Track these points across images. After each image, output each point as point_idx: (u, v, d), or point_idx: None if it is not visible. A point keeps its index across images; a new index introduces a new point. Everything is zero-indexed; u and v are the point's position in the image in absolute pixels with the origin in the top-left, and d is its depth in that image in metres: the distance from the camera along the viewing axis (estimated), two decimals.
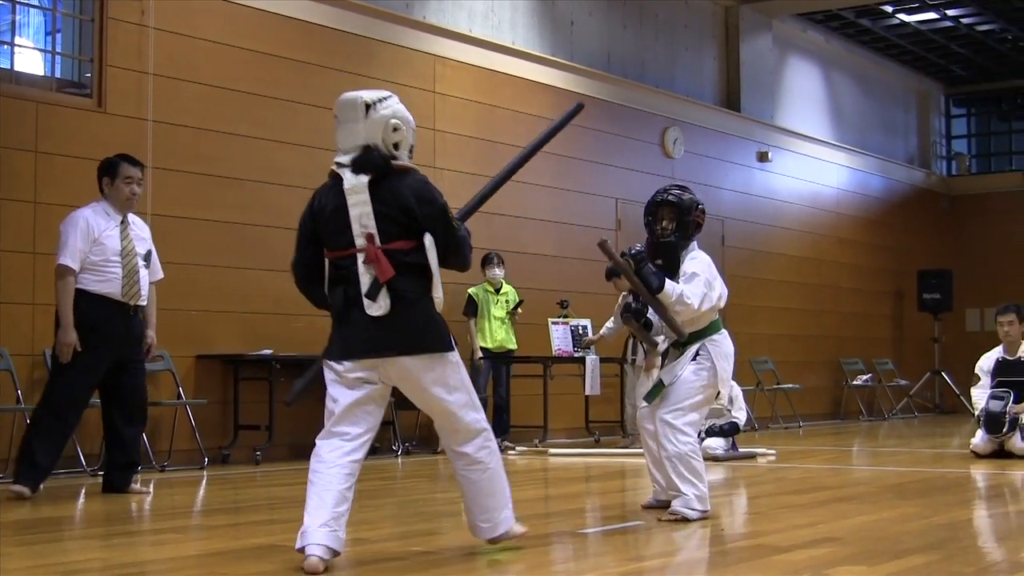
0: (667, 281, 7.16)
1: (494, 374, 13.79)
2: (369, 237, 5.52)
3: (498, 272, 13.68)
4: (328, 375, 5.69)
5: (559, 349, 14.16)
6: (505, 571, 5.72)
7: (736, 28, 19.50)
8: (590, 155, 16.18)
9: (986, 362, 12.34)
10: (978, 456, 11.86)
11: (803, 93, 21.62)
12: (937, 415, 22.49)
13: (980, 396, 12.14)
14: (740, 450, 12.39)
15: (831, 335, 21.23)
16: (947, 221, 25.19)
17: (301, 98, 12.68)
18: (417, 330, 5.60)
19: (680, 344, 7.39)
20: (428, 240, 5.61)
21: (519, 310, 13.86)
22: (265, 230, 12.25)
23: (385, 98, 5.73)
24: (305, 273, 5.91)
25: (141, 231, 9.05)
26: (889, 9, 20.88)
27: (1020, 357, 12.12)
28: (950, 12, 21.08)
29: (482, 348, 13.53)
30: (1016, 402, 11.78)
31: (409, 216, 5.59)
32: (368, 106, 5.66)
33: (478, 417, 5.83)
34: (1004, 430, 11.70)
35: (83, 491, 9.22)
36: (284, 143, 12.48)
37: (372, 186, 5.56)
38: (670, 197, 7.48)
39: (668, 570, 5.75)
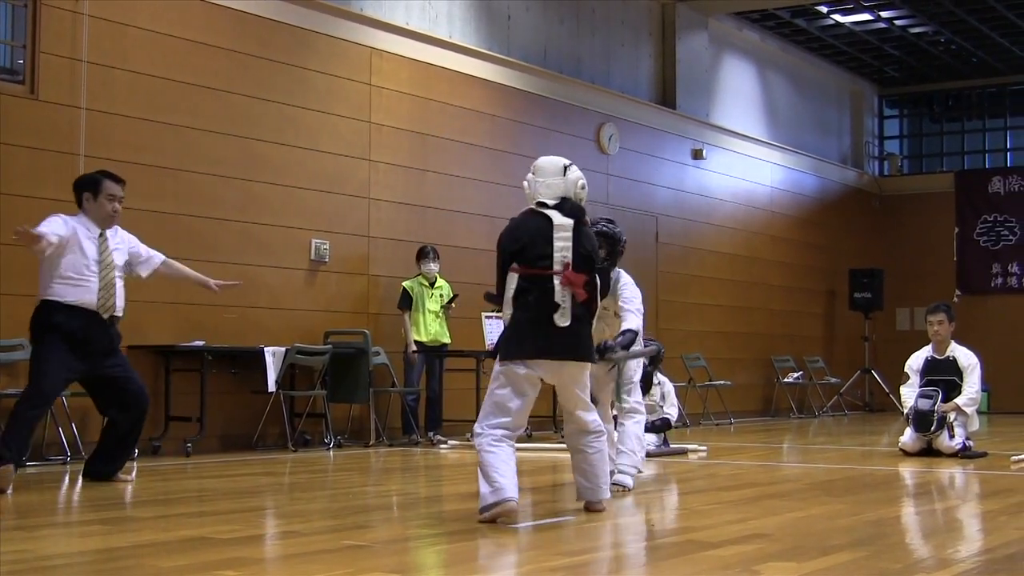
0: (632, 326, 8.39)
1: (427, 367, 13.77)
2: (566, 265, 6.94)
3: (433, 266, 13.67)
4: (509, 373, 6.99)
5: (492, 344, 14.15)
6: (436, 565, 5.72)
7: (672, 26, 19.56)
8: (525, 150, 16.16)
9: (915, 361, 12.44)
10: (907, 454, 11.97)
11: (738, 92, 21.73)
12: (867, 413, 22.69)
13: (909, 395, 12.25)
14: (671, 446, 12.45)
15: (763, 332, 21.36)
16: (879, 221, 25.41)
17: (236, 89, 12.61)
18: (586, 343, 7.13)
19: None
20: (596, 278, 7.11)
21: (453, 304, 13.87)
22: (198, 220, 12.18)
23: (572, 163, 7.31)
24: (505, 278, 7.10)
25: (120, 241, 9.08)
26: (824, 9, 21.04)
27: (949, 356, 12.24)
28: (884, 14, 21.26)
29: (416, 342, 13.51)
30: (944, 401, 11.91)
31: (591, 256, 7.11)
32: (566, 167, 7.22)
33: (595, 409, 7.51)
34: (932, 428, 11.81)
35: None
36: (218, 133, 12.41)
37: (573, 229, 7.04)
38: (604, 228, 8.60)
39: (599, 565, 5.77)
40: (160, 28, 11.95)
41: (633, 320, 8.41)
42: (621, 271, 8.71)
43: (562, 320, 6.91)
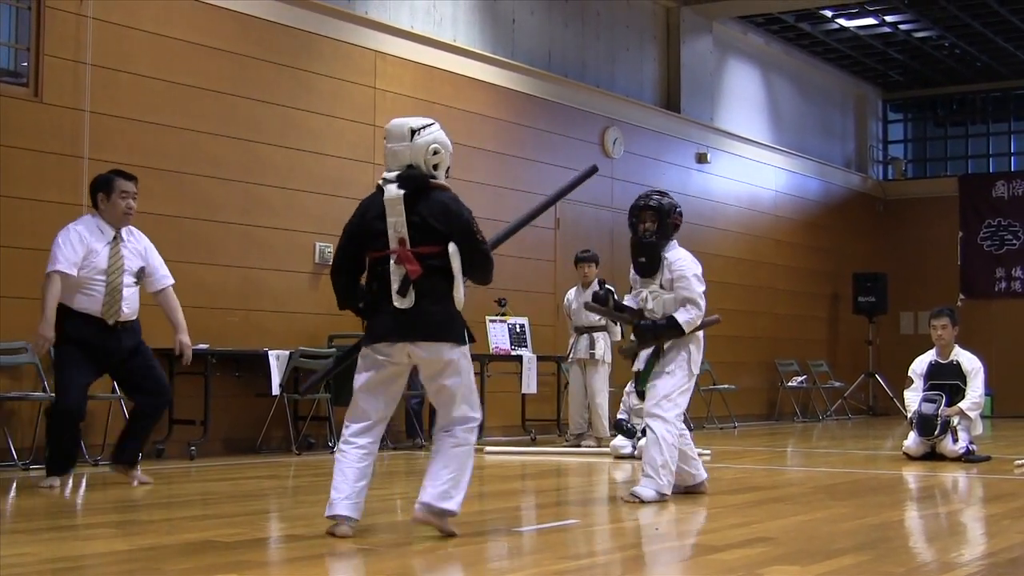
0: (678, 319, 8.13)
1: None
2: (401, 241, 6.38)
3: None
4: (359, 361, 6.58)
5: (496, 347, 14.16)
6: (440, 569, 5.71)
7: (676, 29, 19.56)
8: (530, 153, 16.19)
9: (919, 365, 12.44)
10: (910, 458, 11.96)
11: (742, 95, 21.72)
12: (870, 417, 22.68)
13: (913, 399, 12.24)
14: None
15: (767, 336, 21.34)
16: (883, 225, 25.40)
17: (240, 91, 12.61)
18: (437, 322, 6.41)
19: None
20: (452, 247, 6.41)
21: None
22: (201, 223, 12.18)
23: (428, 125, 6.57)
24: (340, 267, 6.75)
25: (137, 244, 9.17)
26: (828, 14, 21.02)
27: (953, 360, 12.23)
28: (888, 18, 21.26)
29: None
30: (948, 405, 11.90)
31: (437, 226, 6.40)
32: (413, 132, 6.51)
33: (472, 410, 6.54)
34: (936, 432, 11.80)
35: (14, 485, 9.12)
36: (221, 136, 12.41)
37: (408, 199, 6.39)
38: (651, 202, 8.45)
39: (603, 569, 5.76)
40: (164, 31, 11.95)
41: (683, 314, 8.10)
42: (677, 246, 8.49)
43: (402, 302, 6.34)
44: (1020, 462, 11.31)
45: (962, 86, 25.24)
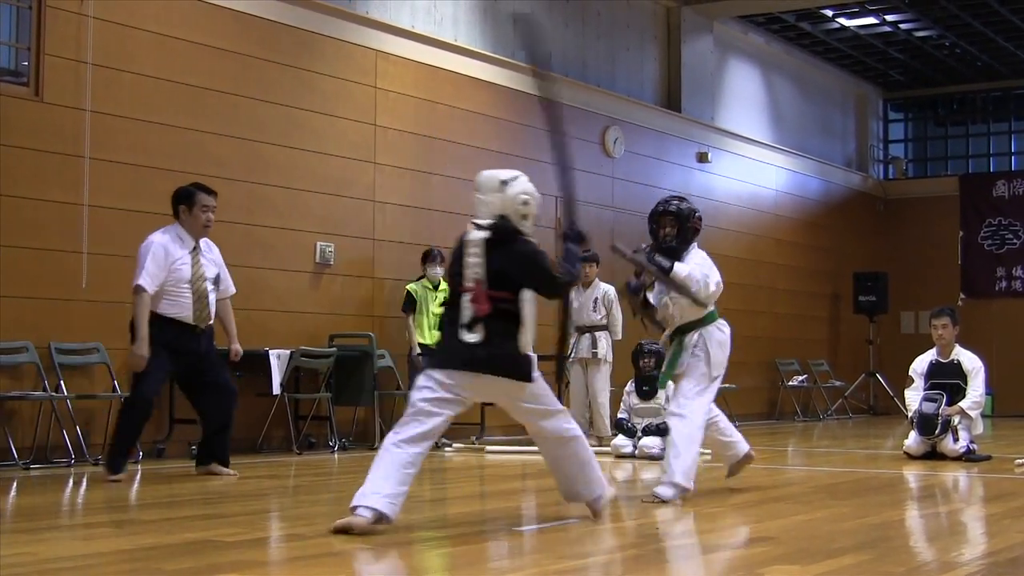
0: (676, 263, 8.26)
1: None
2: (477, 282, 6.71)
3: (439, 269, 13.60)
4: (421, 378, 6.80)
5: None
6: (440, 568, 5.72)
7: (677, 29, 19.56)
8: (530, 152, 16.15)
9: (920, 364, 12.44)
10: (911, 457, 11.96)
11: (743, 95, 21.72)
12: (871, 416, 22.67)
13: (913, 398, 12.23)
14: None
15: (767, 336, 21.33)
16: (883, 224, 25.39)
17: (241, 91, 12.61)
18: (502, 357, 6.71)
19: (681, 332, 8.40)
20: (527, 294, 6.80)
21: None
22: None
23: (517, 177, 7.03)
24: None
25: (212, 254, 9.85)
26: (829, 13, 21.01)
27: (953, 360, 12.22)
28: (889, 17, 21.26)
29: (420, 344, 13.47)
30: (948, 404, 11.89)
31: (514, 276, 6.77)
32: (503, 183, 6.92)
33: (556, 406, 7.06)
34: (936, 432, 11.80)
35: (14, 485, 9.13)
36: (223, 136, 12.41)
37: (490, 244, 6.77)
38: (671, 207, 8.59)
39: (604, 568, 5.76)
40: (165, 30, 11.95)
41: (683, 267, 8.18)
42: (696, 250, 8.50)
43: (470, 335, 6.66)
44: (1020, 461, 11.31)
45: (962, 85, 25.23)
